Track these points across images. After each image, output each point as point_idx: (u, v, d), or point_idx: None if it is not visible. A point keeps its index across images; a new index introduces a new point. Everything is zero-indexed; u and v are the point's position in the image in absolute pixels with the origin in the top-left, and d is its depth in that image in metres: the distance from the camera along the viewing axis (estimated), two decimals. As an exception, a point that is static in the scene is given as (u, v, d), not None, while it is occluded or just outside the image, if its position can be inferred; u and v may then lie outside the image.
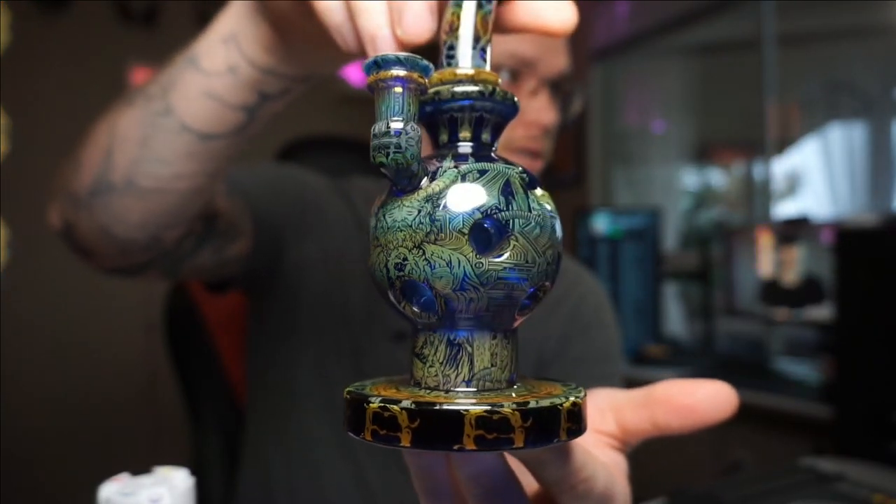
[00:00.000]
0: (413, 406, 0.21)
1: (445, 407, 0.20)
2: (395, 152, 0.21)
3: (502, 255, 0.22)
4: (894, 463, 0.86)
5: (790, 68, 2.39)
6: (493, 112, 0.24)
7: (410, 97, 0.22)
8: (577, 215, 2.25)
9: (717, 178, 3.10)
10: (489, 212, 0.22)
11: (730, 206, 3.07)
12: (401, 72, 0.22)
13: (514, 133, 0.68)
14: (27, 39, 2.06)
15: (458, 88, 0.24)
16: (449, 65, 0.25)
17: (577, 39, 0.74)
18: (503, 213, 0.22)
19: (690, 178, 3.08)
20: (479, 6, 0.26)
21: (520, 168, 0.24)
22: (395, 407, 0.21)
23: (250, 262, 0.66)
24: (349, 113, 2.34)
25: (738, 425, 1.67)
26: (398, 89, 0.22)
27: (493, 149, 0.25)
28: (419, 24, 0.26)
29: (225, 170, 0.50)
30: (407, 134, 0.22)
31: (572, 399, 0.22)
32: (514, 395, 0.22)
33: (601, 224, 2.22)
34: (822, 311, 1.71)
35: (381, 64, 0.22)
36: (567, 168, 2.76)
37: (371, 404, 0.21)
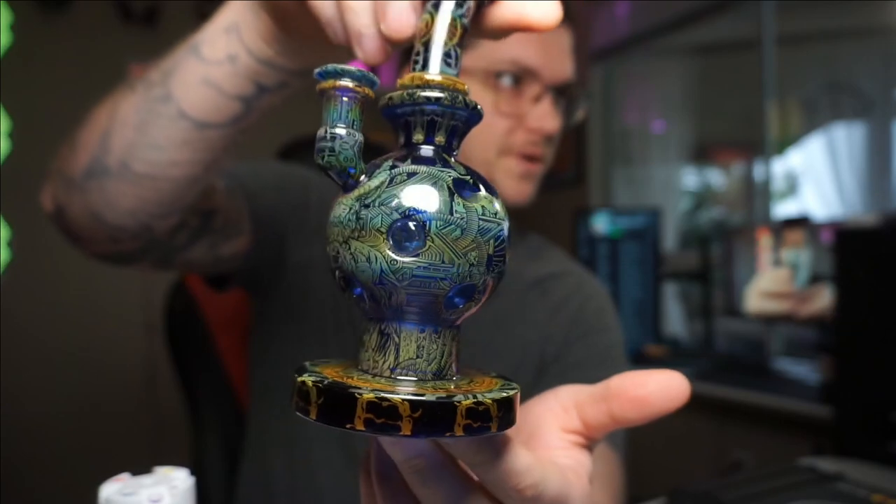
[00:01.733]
0: (321, 384, 0.23)
1: (347, 390, 0.22)
2: (329, 155, 0.24)
3: (417, 254, 0.23)
4: (894, 463, 0.86)
5: (790, 68, 2.39)
6: (455, 118, 0.25)
7: (352, 106, 0.24)
8: (577, 215, 2.25)
9: (717, 178, 3.10)
10: (407, 213, 0.23)
11: (730, 206, 3.07)
12: (343, 82, 0.24)
13: (514, 138, 0.68)
14: (27, 39, 2.06)
15: (425, 93, 0.25)
16: (417, 69, 0.26)
17: (579, 44, 0.74)
18: (420, 215, 0.23)
19: (690, 178, 3.08)
20: (451, 13, 0.26)
21: (456, 173, 0.25)
22: (309, 382, 0.23)
23: (250, 261, 0.66)
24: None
25: (738, 425, 1.67)
26: (341, 98, 0.24)
27: (455, 153, 0.26)
28: (401, 20, 0.27)
29: (219, 162, 0.50)
30: (342, 139, 0.24)
31: (478, 399, 0.22)
32: (428, 387, 0.23)
33: (601, 224, 2.22)
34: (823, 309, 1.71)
35: (325, 74, 0.24)
36: (567, 168, 2.76)
37: (297, 378, 0.23)
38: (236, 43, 0.43)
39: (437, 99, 0.25)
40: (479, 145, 0.67)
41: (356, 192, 0.24)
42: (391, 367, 0.24)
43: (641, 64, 2.82)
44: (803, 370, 1.81)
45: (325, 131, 0.24)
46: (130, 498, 0.36)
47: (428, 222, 0.23)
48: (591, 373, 0.71)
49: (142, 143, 0.46)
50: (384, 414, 0.21)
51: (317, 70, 0.24)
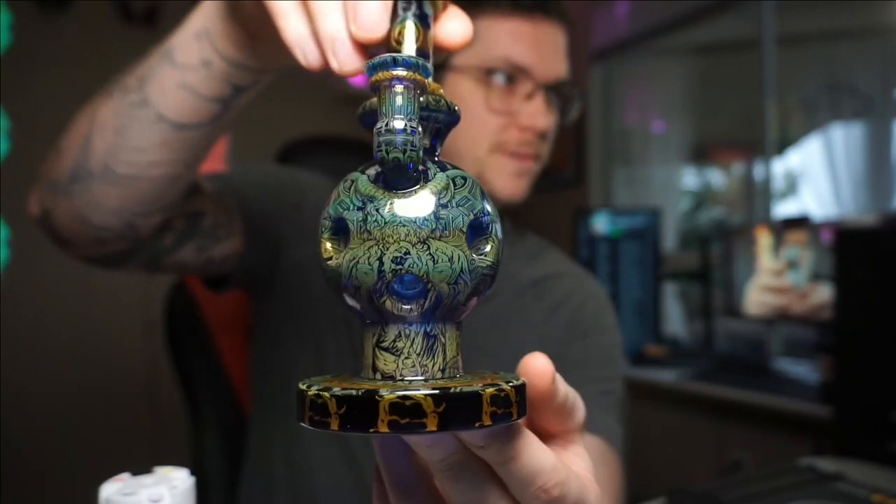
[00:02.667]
0: (435, 392, 0.22)
1: (465, 390, 0.22)
2: (411, 150, 0.23)
3: (485, 252, 0.25)
4: (894, 463, 0.86)
5: (790, 68, 2.38)
6: (439, 121, 0.26)
7: (417, 98, 0.23)
8: (577, 215, 2.25)
9: (717, 178, 3.10)
10: (478, 214, 0.24)
11: (729, 206, 3.07)
12: (411, 73, 0.23)
13: (506, 136, 0.68)
14: (27, 39, 2.05)
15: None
16: None
17: (576, 43, 0.74)
18: (487, 217, 0.25)
19: (690, 178, 3.08)
20: (424, 25, 0.27)
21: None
22: (419, 394, 0.21)
23: (245, 262, 0.66)
24: (349, 113, 2.33)
25: (738, 425, 1.67)
26: (408, 89, 0.23)
27: (437, 154, 0.27)
28: (373, 21, 0.27)
29: (200, 159, 0.51)
30: (420, 134, 0.23)
31: (518, 382, 0.24)
32: (484, 379, 0.24)
33: (601, 224, 2.22)
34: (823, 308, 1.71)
35: (379, 66, 0.23)
36: (567, 168, 2.76)
37: (385, 397, 0.21)
38: (208, 49, 0.43)
39: (436, 105, 0.25)
40: (470, 142, 0.67)
41: (422, 192, 0.24)
42: (441, 367, 0.25)
43: (641, 64, 2.82)
44: (803, 370, 1.81)
45: (404, 124, 0.22)
46: (130, 498, 0.36)
47: (492, 223, 0.25)
48: (591, 372, 0.71)
49: (122, 146, 0.47)
50: (503, 404, 0.22)
51: (376, 60, 0.23)
